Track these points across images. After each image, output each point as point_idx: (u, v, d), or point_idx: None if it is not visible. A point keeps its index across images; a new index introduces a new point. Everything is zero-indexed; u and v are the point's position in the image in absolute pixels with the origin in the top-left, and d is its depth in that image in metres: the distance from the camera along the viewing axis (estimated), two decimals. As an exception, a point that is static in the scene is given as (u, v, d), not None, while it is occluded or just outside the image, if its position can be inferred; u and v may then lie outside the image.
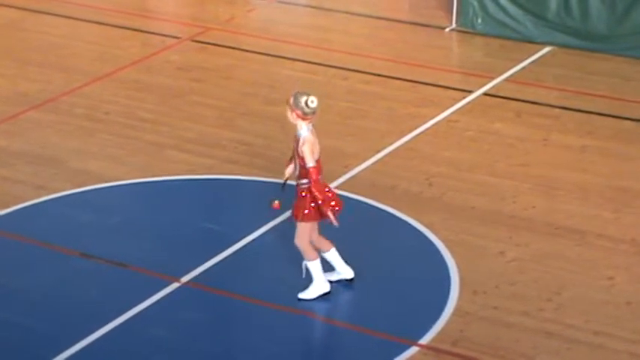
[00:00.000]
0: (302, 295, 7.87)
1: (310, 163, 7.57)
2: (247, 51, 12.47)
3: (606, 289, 8.14)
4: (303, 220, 7.71)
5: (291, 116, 7.61)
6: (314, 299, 7.86)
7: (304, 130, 7.60)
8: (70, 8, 13.63)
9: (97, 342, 7.51)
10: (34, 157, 10.06)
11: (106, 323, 7.66)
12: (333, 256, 7.98)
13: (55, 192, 9.43)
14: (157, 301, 7.92)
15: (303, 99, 7.54)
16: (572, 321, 7.75)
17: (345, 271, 8.03)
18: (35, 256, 8.52)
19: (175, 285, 8.12)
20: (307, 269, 7.88)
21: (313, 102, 7.53)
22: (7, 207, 9.19)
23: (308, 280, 7.92)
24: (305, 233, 7.76)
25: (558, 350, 7.48)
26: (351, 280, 8.03)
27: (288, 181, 7.91)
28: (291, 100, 7.58)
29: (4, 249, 8.66)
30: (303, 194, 7.66)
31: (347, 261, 8.12)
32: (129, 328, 7.65)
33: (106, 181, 9.62)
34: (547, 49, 12.37)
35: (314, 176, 7.57)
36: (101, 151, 10.17)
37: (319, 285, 7.87)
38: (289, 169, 7.84)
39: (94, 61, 12.19)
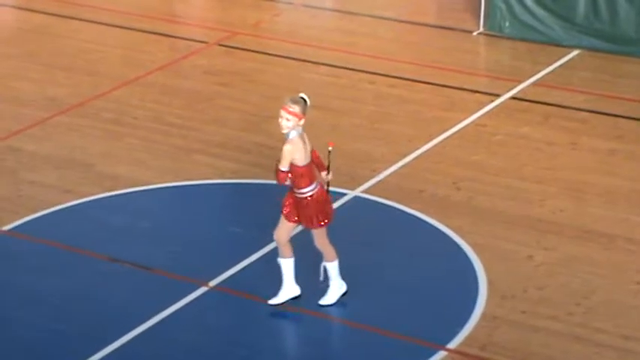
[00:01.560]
0: (324, 302, 7.88)
1: (283, 166, 7.50)
2: (273, 55, 12.51)
3: (635, 293, 8.11)
4: (321, 225, 7.68)
5: (298, 123, 7.49)
6: (335, 302, 7.88)
7: (294, 133, 7.55)
8: (98, 13, 13.73)
9: (126, 345, 7.57)
10: (62, 162, 10.14)
11: (136, 327, 7.71)
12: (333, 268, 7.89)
13: (83, 196, 9.51)
14: (186, 305, 7.97)
15: (301, 99, 7.50)
16: (602, 325, 7.73)
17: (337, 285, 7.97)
18: (64, 260, 8.59)
19: (204, 289, 8.17)
20: (325, 271, 7.88)
21: (305, 95, 7.52)
22: (36, 211, 9.27)
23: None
24: (323, 235, 7.75)
25: (588, 355, 7.46)
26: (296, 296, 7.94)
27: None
28: (298, 108, 7.46)
29: (33, 253, 8.74)
30: (307, 202, 7.60)
31: (370, 266, 8.13)
32: (158, 332, 7.70)
33: (134, 186, 9.69)
34: (575, 52, 12.34)
35: (278, 180, 7.50)
36: (129, 156, 10.24)
37: (337, 285, 7.88)
38: (324, 175, 7.81)
39: (122, 65, 12.27)
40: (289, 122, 7.51)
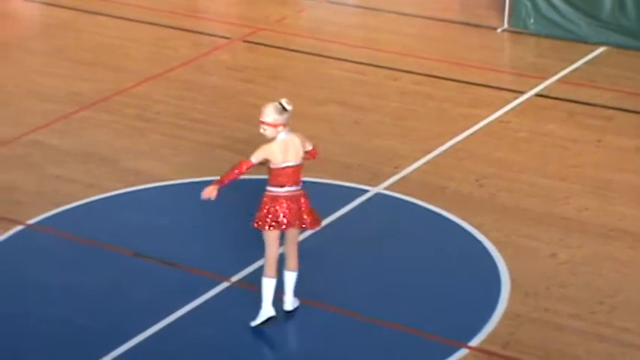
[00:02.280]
0: (252, 323, 7.62)
1: (254, 157, 7.40)
2: (297, 51, 12.50)
3: (661, 292, 8.05)
4: (255, 225, 7.54)
5: (277, 130, 7.39)
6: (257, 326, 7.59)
7: (282, 135, 7.45)
8: (122, 9, 13.77)
9: (149, 340, 7.58)
10: (86, 156, 10.17)
11: (158, 321, 7.72)
12: (288, 278, 7.69)
13: (106, 191, 9.53)
14: (208, 300, 7.97)
15: (279, 107, 7.37)
16: (626, 325, 7.66)
17: (287, 301, 7.72)
18: (87, 254, 8.62)
19: (225, 284, 8.17)
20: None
21: (290, 103, 7.41)
22: (59, 206, 9.31)
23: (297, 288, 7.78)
24: (266, 239, 7.55)
25: (612, 354, 7.39)
26: (291, 311, 7.73)
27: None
28: (271, 118, 7.33)
29: (56, 247, 8.77)
30: (263, 197, 7.52)
31: (392, 263, 8.06)
32: (180, 327, 7.71)
33: (157, 181, 9.70)
34: (601, 49, 12.24)
35: (238, 168, 7.39)
36: (152, 151, 10.25)
37: (264, 308, 7.59)
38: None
39: (146, 61, 12.30)
40: (266, 132, 7.46)
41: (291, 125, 10.56)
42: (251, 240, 8.72)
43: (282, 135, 7.47)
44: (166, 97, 11.38)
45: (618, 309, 7.84)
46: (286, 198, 7.50)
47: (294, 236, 7.67)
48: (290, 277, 7.71)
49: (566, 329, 7.65)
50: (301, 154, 7.54)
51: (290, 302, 7.75)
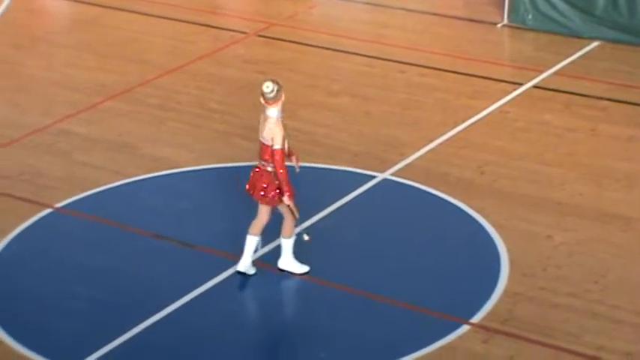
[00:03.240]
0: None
1: (277, 145, 7.61)
2: (309, 45, 12.48)
3: (651, 272, 8.03)
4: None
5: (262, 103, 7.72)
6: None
7: (272, 112, 7.68)
8: (146, 5, 13.75)
9: (170, 315, 7.61)
10: (111, 144, 10.19)
11: (179, 298, 7.75)
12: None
13: (129, 177, 9.55)
14: (225, 279, 7.99)
15: (263, 85, 7.65)
16: (618, 302, 7.66)
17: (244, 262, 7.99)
18: (111, 236, 8.65)
19: (241, 264, 8.17)
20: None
21: (268, 87, 7.63)
22: (86, 190, 9.33)
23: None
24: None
25: (605, 330, 7.40)
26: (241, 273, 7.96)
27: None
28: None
29: (84, 230, 8.80)
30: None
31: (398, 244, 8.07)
32: (201, 304, 7.74)
33: (178, 167, 9.72)
34: (595, 43, 12.19)
35: (277, 157, 7.61)
36: (173, 139, 10.27)
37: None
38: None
39: (167, 54, 12.30)
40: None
41: (305, 116, 10.59)
42: (268, 223, 8.73)
43: (270, 112, 7.68)
44: (187, 88, 11.38)
45: (610, 288, 7.83)
46: (253, 170, 7.84)
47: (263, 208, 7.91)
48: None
49: (561, 307, 7.65)
50: (266, 137, 7.68)
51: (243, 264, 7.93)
